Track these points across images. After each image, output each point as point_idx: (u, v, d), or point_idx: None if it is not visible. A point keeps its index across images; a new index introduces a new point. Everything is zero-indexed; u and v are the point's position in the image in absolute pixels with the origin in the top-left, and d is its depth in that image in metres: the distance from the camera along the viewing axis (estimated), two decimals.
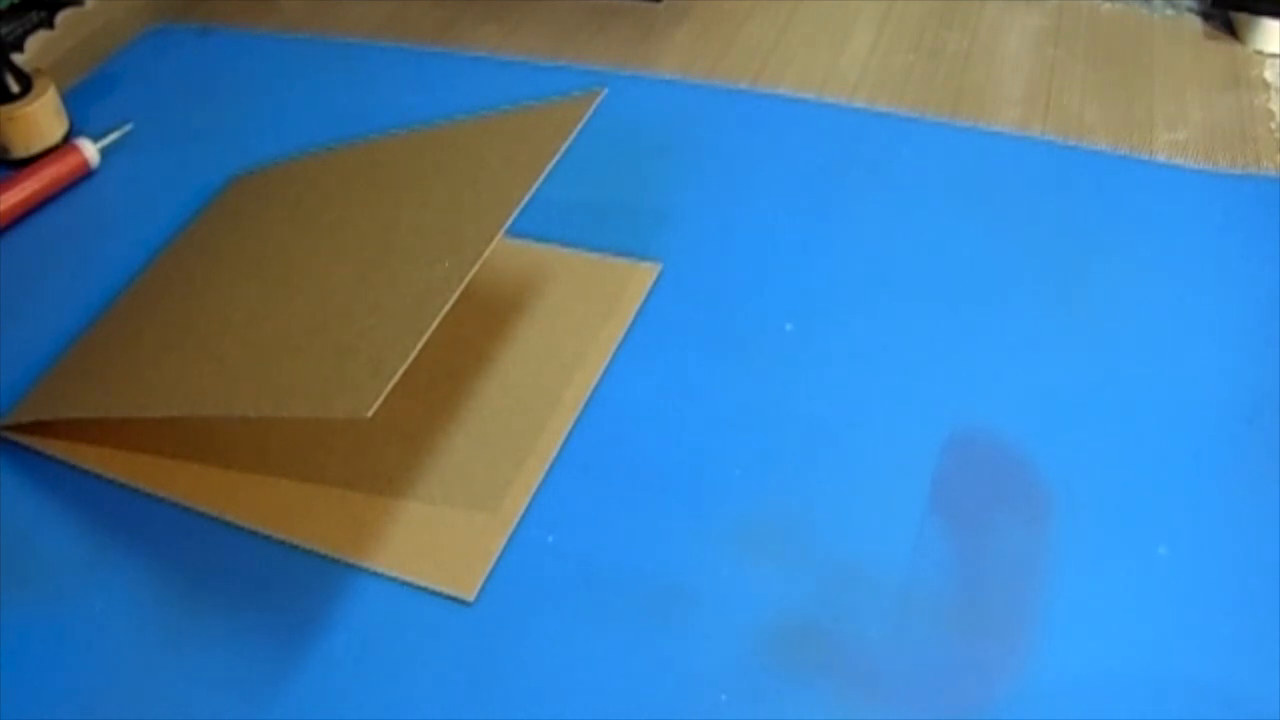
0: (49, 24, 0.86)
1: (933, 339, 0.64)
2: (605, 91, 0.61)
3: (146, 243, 0.71)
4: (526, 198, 0.55)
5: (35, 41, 0.85)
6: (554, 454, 0.58)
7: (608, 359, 0.63)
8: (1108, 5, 0.94)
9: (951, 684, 0.48)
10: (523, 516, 0.55)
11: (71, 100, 0.82)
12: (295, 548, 0.54)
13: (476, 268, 0.51)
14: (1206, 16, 0.92)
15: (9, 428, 0.60)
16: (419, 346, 0.48)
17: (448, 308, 0.50)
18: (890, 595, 0.51)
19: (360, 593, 0.52)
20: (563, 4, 0.96)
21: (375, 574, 0.53)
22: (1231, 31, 0.90)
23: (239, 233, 0.69)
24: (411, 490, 0.56)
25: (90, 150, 0.77)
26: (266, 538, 0.55)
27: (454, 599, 0.52)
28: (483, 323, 0.65)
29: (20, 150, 0.78)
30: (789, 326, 0.65)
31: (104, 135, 0.79)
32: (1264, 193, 0.73)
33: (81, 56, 0.91)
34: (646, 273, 0.68)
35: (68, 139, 0.79)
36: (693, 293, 0.67)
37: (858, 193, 0.74)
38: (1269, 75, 0.85)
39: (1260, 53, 0.88)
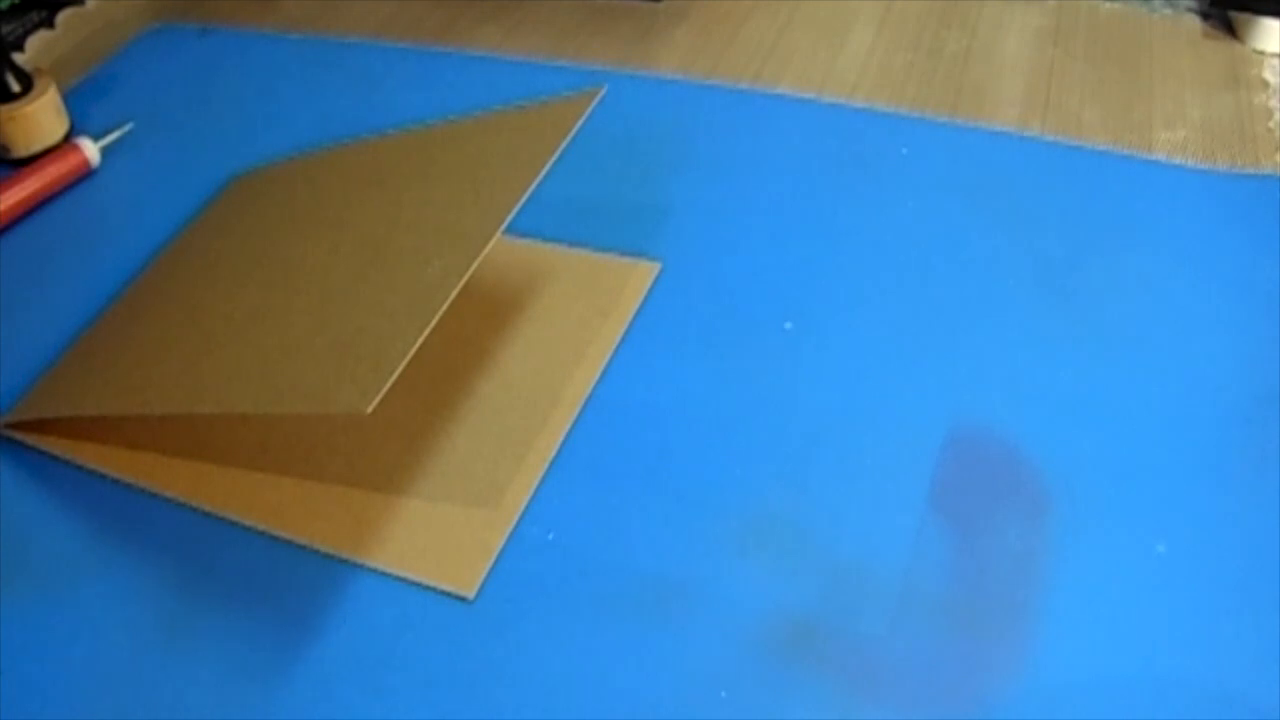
0: (49, 24, 0.86)
1: (932, 337, 0.64)
2: (605, 90, 0.61)
3: (146, 242, 0.72)
4: (526, 196, 0.55)
5: (35, 41, 0.85)
6: (554, 452, 0.58)
7: (607, 357, 0.63)
8: (1107, 5, 0.94)
9: (951, 682, 0.48)
10: (523, 514, 0.55)
11: (72, 100, 0.82)
12: (295, 545, 0.54)
13: (476, 266, 0.51)
14: (1205, 16, 0.92)
15: (10, 426, 0.60)
16: (419, 344, 0.48)
17: (447, 305, 0.50)
18: (890, 593, 0.51)
19: (360, 590, 0.52)
20: (563, 4, 0.96)
21: (375, 571, 0.53)
22: (1231, 31, 0.90)
23: (239, 232, 0.69)
24: (411, 487, 0.56)
25: (91, 150, 0.77)
26: (266, 535, 0.55)
27: (454, 596, 0.52)
28: (483, 320, 0.65)
29: (21, 150, 0.78)
30: (789, 326, 0.65)
31: (104, 135, 0.79)
32: (1263, 192, 0.73)
33: (81, 56, 0.91)
34: (646, 271, 0.68)
35: (68, 138, 0.79)
36: (692, 292, 0.67)
37: (857, 192, 0.74)
38: (1268, 74, 0.85)
39: (1259, 52, 0.88)
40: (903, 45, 0.90)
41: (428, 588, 0.52)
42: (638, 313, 0.66)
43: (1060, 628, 0.50)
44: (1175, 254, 0.69)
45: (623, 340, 0.64)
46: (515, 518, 0.55)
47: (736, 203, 0.73)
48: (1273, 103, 0.82)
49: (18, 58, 0.80)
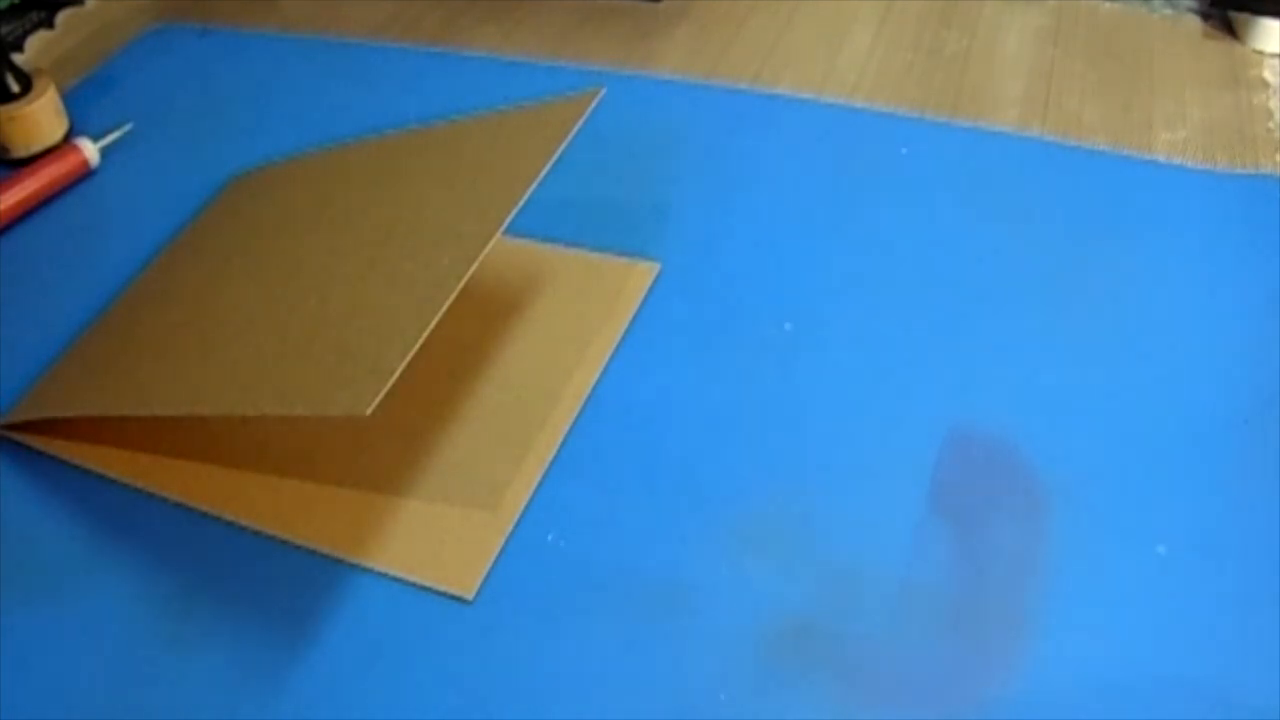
0: (49, 24, 0.86)
1: (932, 338, 0.64)
2: (604, 91, 0.61)
3: (146, 243, 0.72)
4: (525, 197, 0.55)
5: (35, 41, 0.85)
6: (553, 453, 0.58)
7: (607, 358, 0.63)
8: (1107, 5, 0.94)
9: (950, 682, 0.48)
10: (522, 515, 0.55)
11: (71, 100, 0.82)
12: (295, 547, 0.54)
13: (475, 266, 0.51)
14: (1205, 16, 0.92)
15: (9, 426, 0.60)
16: (418, 345, 0.48)
17: (447, 306, 0.50)
18: (889, 594, 0.51)
19: (360, 592, 0.52)
20: (563, 4, 0.96)
21: (375, 573, 0.53)
22: (1230, 31, 0.90)
23: (238, 232, 0.69)
24: (411, 489, 0.56)
25: (90, 150, 0.77)
26: (266, 537, 0.55)
27: (453, 598, 0.52)
28: (482, 321, 0.65)
29: (20, 150, 0.78)
30: (788, 326, 0.65)
31: (104, 135, 0.79)
32: (1263, 192, 0.73)
33: (81, 56, 0.91)
34: (645, 272, 0.68)
35: (68, 139, 0.79)
36: (692, 292, 0.67)
37: (857, 192, 0.74)
38: (1268, 74, 0.85)
39: (1259, 52, 0.88)
40: (903, 45, 0.90)
41: (427, 589, 0.52)
42: (638, 313, 0.66)
43: (1060, 628, 0.50)
44: (1175, 254, 0.69)
45: (622, 340, 0.64)
46: (515, 518, 0.55)
47: (736, 203, 0.73)
48: (1273, 103, 0.82)
49: (17, 58, 0.80)
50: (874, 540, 0.54)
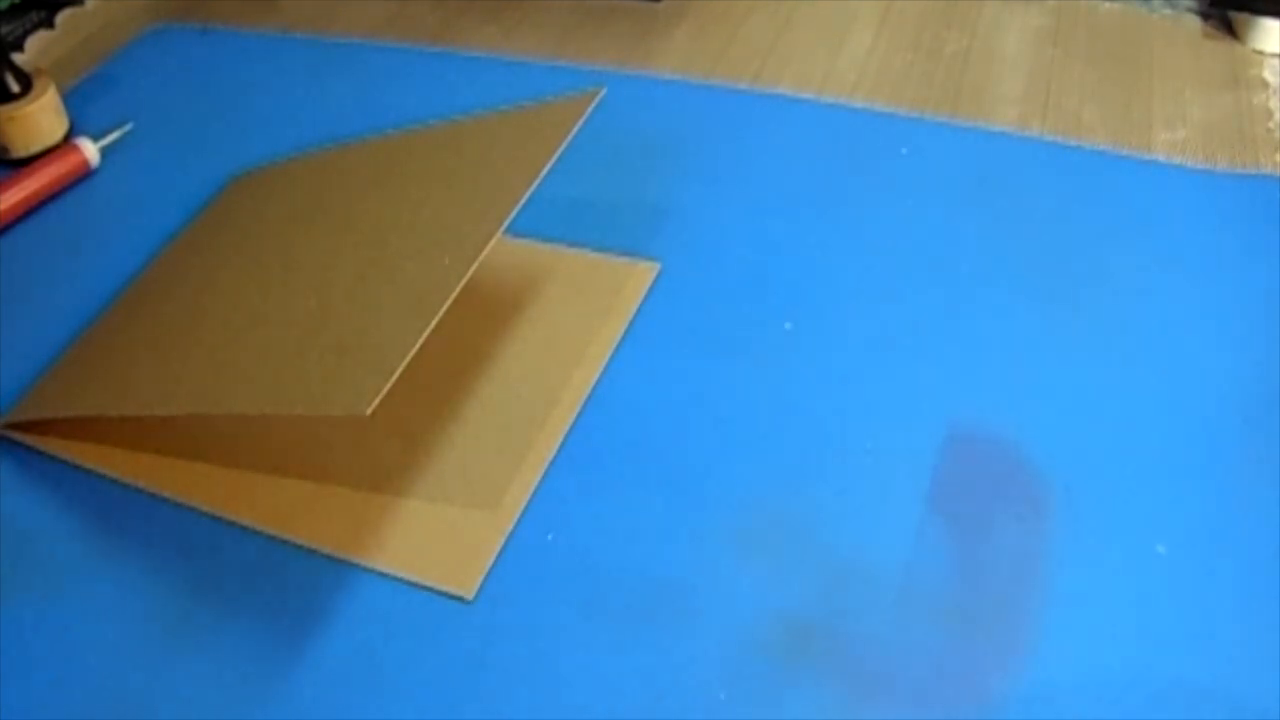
0: (49, 24, 0.86)
1: (932, 337, 0.64)
2: (604, 91, 0.61)
3: (146, 243, 0.72)
4: (526, 196, 0.55)
5: (35, 41, 0.85)
6: (553, 452, 0.58)
7: (607, 358, 0.63)
8: (1107, 5, 0.94)
9: (951, 682, 0.48)
10: (522, 515, 0.55)
11: (71, 100, 0.82)
12: (295, 546, 0.54)
13: (476, 266, 0.51)
14: (1205, 16, 0.92)
15: (9, 426, 0.60)
16: (418, 344, 0.48)
17: (447, 306, 0.50)
18: (889, 593, 0.51)
19: (360, 591, 0.52)
20: (562, 4, 0.96)
21: (375, 572, 0.53)
22: (1230, 31, 0.90)
23: (239, 232, 0.69)
24: (411, 488, 0.56)
25: (90, 150, 0.77)
26: (266, 536, 0.55)
27: (453, 597, 0.52)
28: (482, 321, 0.65)
29: (20, 150, 0.78)
30: (788, 326, 0.65)
31: (104, 135, 0.79)
32: (1263, 192, 0.73)
33: (81, 56, 0.91)
34: (645, 272, 0.68)
35: (68, 138, 0.79)
36: (692, 292, 0.67)
37: (857, 192, 0.74)
38: (1268, 74, 0.85)
39: (1259, 52, 0.88)
40: (903, 45, 0.90)
41: (427, 588, 0.52)
42: (638, 313, 0.66)
43: (1060, 627, 0.50)
44: (1175, 254, 0.69)
45: (622, 340, 0.64)
46: (515, 518, 0.55)
47: (736, 203, 0.73)
48: (1273, 103, 0.82)
49: (17, 58, 0.80)
50: (874, 539, 0.54)
